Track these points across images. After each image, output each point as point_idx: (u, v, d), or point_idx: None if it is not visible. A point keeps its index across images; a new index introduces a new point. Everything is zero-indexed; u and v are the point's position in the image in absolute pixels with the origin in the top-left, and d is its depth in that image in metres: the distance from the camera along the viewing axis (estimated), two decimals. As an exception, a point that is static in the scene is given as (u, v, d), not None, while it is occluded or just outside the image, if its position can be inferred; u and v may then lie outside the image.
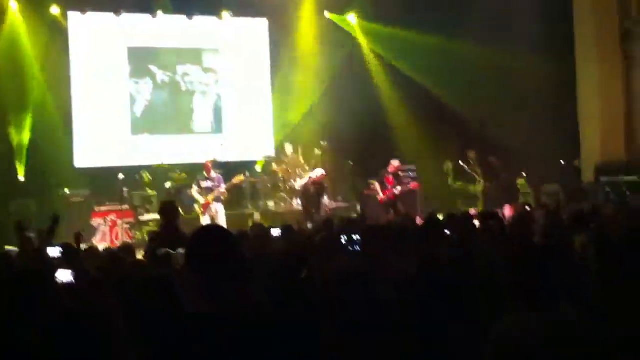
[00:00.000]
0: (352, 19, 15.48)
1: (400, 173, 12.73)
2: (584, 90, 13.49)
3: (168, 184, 13.06)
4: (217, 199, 11.39)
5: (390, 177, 12.61)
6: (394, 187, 12.35)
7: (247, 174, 12.74)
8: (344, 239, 5.09)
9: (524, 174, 13.66)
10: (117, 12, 14.00)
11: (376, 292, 2.88)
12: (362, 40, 15.48)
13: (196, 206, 11.58)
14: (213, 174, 11.54)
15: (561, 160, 13.72)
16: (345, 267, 3.23)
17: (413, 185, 12.67)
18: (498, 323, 2.81)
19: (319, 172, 12.48)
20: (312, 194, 12.30)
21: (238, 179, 12.10)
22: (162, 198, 12.87)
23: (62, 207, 12.14)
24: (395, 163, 12.53)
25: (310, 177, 12.47)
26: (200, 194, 11.40)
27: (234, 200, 12.82)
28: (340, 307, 2.84)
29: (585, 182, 13.14)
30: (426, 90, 14.76)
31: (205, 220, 11.28)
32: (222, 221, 11.28)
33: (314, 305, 3.18)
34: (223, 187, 11.46)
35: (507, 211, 9.96)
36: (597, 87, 13.22)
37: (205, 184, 11.45)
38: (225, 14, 14.73)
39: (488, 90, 14.13)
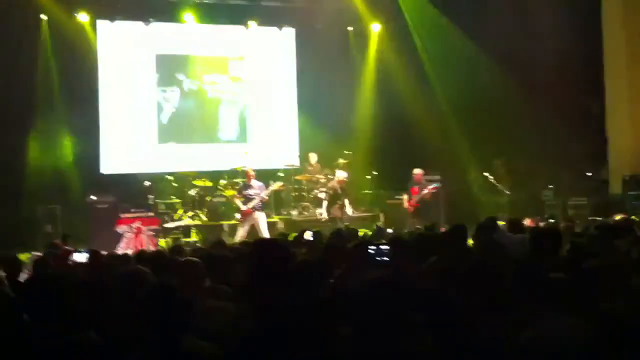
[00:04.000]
0: (376, 28, 15.48)
1: (424, 181, 12.82)
2: (613, 102, 13.36)
3: (192, 192, 13.11)
4: (258, 207, 11.49)
5: (416, 187, 12.73)
6: (419, 196, 12.52)
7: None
8: (372, 249, 5.09)
9: (551, 186, 13.52)
10: (146, 21, 14.15)
11: (405, 303, 2.88)
12: (387, 48, 15.43)
13: (237, 215, 11.69)
14: (254, 182, 11.68)
15: (588, 173, 13.56)
16: (375, 277, 3.23)
17: (430, 189, 12.69)
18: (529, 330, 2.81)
19: (342, 174, 12.55)
20: (338, 193, 12.37)
21: (277, 185, 12.24)
22: (187, 205, 13.02)
23: (88, 213, 12.30)
24: (417, 172, 12.70)
25: (336, 178, 12.55)
26: (242, 201, 11.53)
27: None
28: (368, 317, 2.84)
29: (612, 194, 12.98)
30: (452, 99, 14.67)
31: (242, 228, 11.41)
32: (264, 228, 11.46)
33: (340, 314, 3.17)
34: (264, 194, 11.58)
35: (528, 224, 9.83)
36: (626, 100, 13.08)
37: (246, 191, 11.59)
38: (252, 23, 14.82)
39: (515, 102, 14.01)
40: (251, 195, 11.60)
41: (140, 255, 6.08)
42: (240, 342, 3.00)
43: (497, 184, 13.50)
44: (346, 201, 12.48)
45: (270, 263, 3.88)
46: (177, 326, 3.18)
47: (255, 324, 2.93)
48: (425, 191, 12.67)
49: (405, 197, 12.87)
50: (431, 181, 13.70)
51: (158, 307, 3.29)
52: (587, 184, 13.41)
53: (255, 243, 4.55)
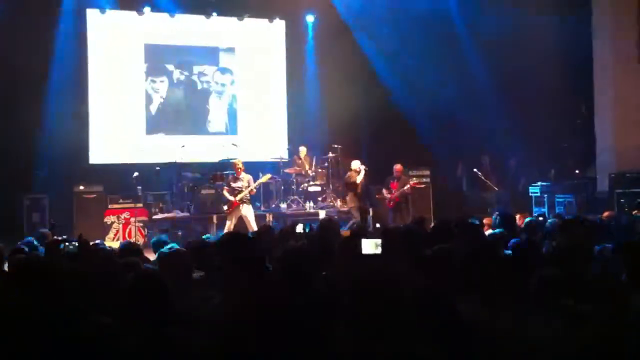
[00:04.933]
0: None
1: (403, 176, 12.93)
2: (600, 101, 13.48)
3: (181, 183, 13.08)
4: (245, 199, 11.51)
5: (395, 181, 12.84)
6: (397, 190, 12.66)
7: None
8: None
9: (539, 182, 13.60)
10: (139, 11, 14.09)
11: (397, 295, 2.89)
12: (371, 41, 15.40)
13: (224, 207, 11.71)
14: (243, 174, 11.68)
15: (576, 170, 13.66)
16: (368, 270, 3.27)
17: (412, 184, 12.84)
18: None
19: (357, 163, 12.68)
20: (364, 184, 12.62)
21: (265, 177, 12.27)
22: (176, 196, 13.01)
23: (76, 202, 12.25)
24: (397, 167, 12.86)
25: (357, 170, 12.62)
26: (230, 193, 11.54)
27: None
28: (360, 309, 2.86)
29: (599, 192, 13.08)
30: (440, 93, 14.69)
31: (230, 220, 11.45)
32: (252, 220, 11.51)
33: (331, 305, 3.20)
34: (252, 187, 11.67)
35: (518, 221, 9.87)
36: (613, 99, 13.22)
37: (234, 184, 11.59)
38: (243, 14, 14.78)
39: (504, 97, 14.08)
40: (239, 187, 11.60)
41: (129, 245, 6.05)
42: (229, 333, 3.01)
43: (486, 180, 13.57)
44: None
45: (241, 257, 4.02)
46: (162, 315, 3.21)
47: (250, 316, 2.94)
48: (407, 187, 12.78)
49: (385, 191, 12.98)
50: (419, 176, 13.86)
51: (143, 296, 3.32)
52: (575, 182, 13.50)
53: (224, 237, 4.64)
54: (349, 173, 12.85)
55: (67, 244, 5.72)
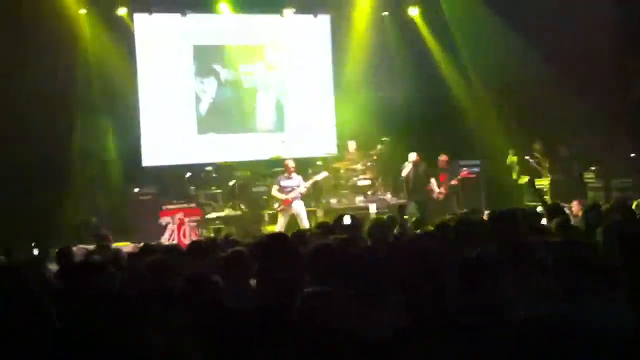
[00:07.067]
0: (414, 12, 15.35)
1: (449, 167, 12.80)
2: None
3: (232, 182, 13.23)
4: (298, 197, 11.57)
5: (443, 173, 12.71)
6: (446, 182, 12.51)
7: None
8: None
9: (593, 167, 13.31)
10: (182, 12, 14.27)
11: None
12: (424, 30, 15.28)
13: (275, 205, 11.79)
14: (294, 175, 11.74)
15: (632, 154, 13.31)
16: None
17: (462, 174, 12.67)
18: None
19: (413, 155, 12.68)
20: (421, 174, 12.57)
21: (321, 175, 12.32)
22: (227, 195, 13.17)
23: (131, 205, 12.51)
24: (442, 157, 12.71)
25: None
26: (280, 191, 11.61)
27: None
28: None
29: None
30: (489, 82, 14.51)
31: (282, 218, 11.52)
32: (304, 217, 11.58)
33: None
34: (303, 186, 11.67)
35: (575, 207, 9.69)
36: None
37: (285, 183, 11.67)
38: (287, 11, 14.83)
39: (555, 82, 13.79)
40: (290, 187, 11.65)
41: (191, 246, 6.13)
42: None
43: (539, 168, 13.35)
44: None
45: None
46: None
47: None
48: (456, 180, 12.64)
49: (433, 183, 12.77)
50: (468, 166, 13.65)
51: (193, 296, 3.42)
52: (631, 165, 13.15)
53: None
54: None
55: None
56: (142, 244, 6.95)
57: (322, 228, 6.78)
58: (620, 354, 2.87)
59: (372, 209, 12.67)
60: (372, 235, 5.91)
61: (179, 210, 12.34)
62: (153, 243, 7.24)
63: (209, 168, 13.39)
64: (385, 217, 7.68)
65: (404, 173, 12.84)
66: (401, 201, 13.21)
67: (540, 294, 3.41)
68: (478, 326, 2.86)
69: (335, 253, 4.14)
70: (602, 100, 13.54)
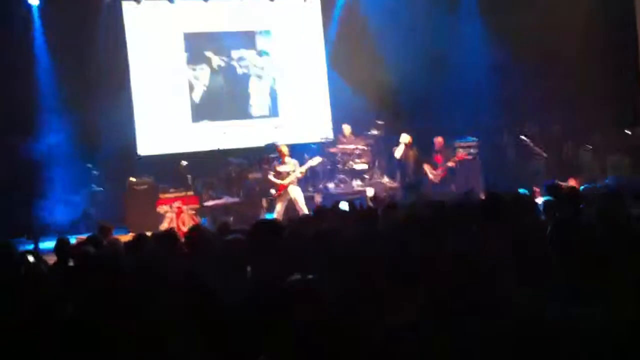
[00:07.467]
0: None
1: (444, 149, 12.80)
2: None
3: (228, 169, 13.24)
4: (294, 182, 11.59)
5: (438, 155, 12.70)
6: (443, 164, 12.50)
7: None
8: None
9: (588, 145, 13.34)
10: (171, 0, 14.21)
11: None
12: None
13: (272, 190, 11.82)
14: (287, 159, 11.75)
15: (627, 131, 13.34)
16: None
17: (459, 156, 12.68)
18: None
19: (405, 137, 12.65)
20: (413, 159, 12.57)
21: (316, 161, 12.30)
22: (224, 182, 13.17)
23: (128, 195, 12.49)
24: (438, 139, 12.71)
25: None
26: (276, 177, 11.63)
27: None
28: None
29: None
30: (481, 61, 14.46)
31: (280, 203, 11.56)
32: (302, 202, 11.61)
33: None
34: (298, 171, 11.69)
35: (571, 184, 9.75)
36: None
37: (280, 168, 11.69)
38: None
39: (546, 62, 13.79)
40: (285, 172, 11.67)
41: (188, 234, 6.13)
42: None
43: (534, 147, 13.37)
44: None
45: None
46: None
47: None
48: (452, 162, 12.66)
49: (428, 166, 12.79)
50: (465, 148, 13.62)
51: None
52: (626, 142, 13.19)
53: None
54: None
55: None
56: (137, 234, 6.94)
57: (319, 213, 6.81)
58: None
59: (370, 192, 12.68)
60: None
61: (176, 198, 12.34)
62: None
63: (205, 155, 13.33)
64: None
65: (397, 155, 12.85)
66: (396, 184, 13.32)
67: (540, 293, 3.40)
68: (478, 324, 2.82)
69: (332, 239, 4.17)
70: (596, 78, 13.54)
